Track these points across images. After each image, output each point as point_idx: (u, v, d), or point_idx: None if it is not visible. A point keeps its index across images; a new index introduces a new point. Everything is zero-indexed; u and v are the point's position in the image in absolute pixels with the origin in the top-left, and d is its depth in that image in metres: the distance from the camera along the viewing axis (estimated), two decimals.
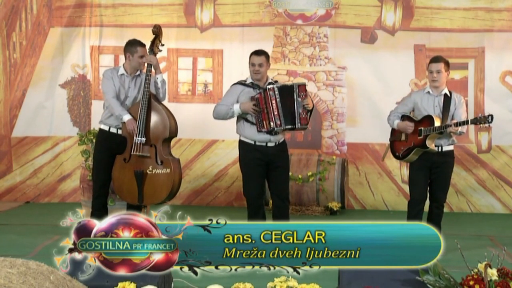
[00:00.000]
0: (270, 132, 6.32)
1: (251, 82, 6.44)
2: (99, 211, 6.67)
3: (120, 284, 4.42)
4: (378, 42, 9.07)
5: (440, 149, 6.31)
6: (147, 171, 6.46)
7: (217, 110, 6.48)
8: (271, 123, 6.26)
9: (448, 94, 6.36)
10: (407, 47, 8.98)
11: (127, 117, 6.43)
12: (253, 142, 6.40)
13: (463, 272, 4.43)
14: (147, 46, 6.69)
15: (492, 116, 5.99)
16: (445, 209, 7.76)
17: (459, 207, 8.97)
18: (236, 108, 6.35)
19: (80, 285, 3.85)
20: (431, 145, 6.26)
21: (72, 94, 9.40)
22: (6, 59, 9.36)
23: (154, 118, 6.49)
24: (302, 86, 6.29)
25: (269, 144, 6.39)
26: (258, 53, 6.46)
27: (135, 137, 6.40)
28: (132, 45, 6.64)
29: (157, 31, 6.68)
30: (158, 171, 6.44)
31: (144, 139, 6.40)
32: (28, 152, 9.41)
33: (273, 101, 6.26)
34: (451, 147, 6.38)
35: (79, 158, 8.38)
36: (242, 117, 6.43)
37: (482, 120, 6.00)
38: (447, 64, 6.36)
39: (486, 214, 8.83)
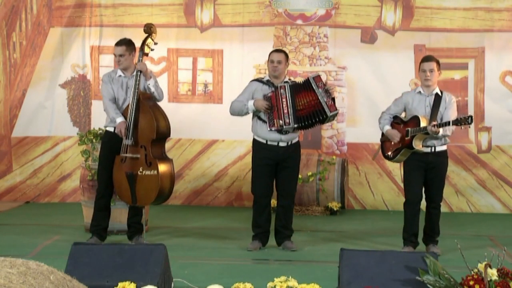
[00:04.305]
0: (280, 131, 6.35)
1: (268, 80, 6.49)
2: (102, 212, 6.69)
3: (120, 284, 4.42)
4: (378, 42, 9.07)
5: (433, 150, 6.28)
6: (138, 172, 6.45)
7: (233, 106, 6.57)
8: (280, 121, 6.30)
9: (439, 94, 6.34)
10: (407, 47, 8.98)
11: (119, 119, 6.48)
12: (265, 141, 6.45)
13: (463, 272, 4.43)
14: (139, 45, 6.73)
15: (471, 117, 5.98)
16: (445, 209, 7.79)
17: (459, 207, 8.96)
18: (250, 104, 6.44)
19: (80, 285, 3.85)
20: (418, 145, 6.23)
21: (72, 94, 9.39)
22: (6, 59, 9.36)
23: (142, 119, 6.48)
24: (318, 77, 6.35)
25: (281, 144, 6.43)
26: (278, 50, 6.62)
27: (123, 139, 6.44)
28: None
29: (149, 30, 6.69)
30: (147, 172, 6.44)
31: (131, 140, 6.42)
32: (28, 152, 9.40)
33: (284, 99, 6.32)
34: (444, 147, 6.35)
35: (79, 158, 8.38)
36: (256, 114, 6.50)
37: (463, 121, 5.98)
38: (438, 63, 6.36)
39: (486, 214, 8.82)
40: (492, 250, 4.89)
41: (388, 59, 9.00)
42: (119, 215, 7.00)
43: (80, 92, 9.39)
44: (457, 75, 8.96)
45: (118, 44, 6.70)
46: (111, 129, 6.65)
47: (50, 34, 9.36)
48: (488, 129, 8.90)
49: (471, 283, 4.26)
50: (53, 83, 9.37)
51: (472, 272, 4.36)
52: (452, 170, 8.96)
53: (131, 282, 4.41)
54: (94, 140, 7.21)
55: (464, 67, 8.99)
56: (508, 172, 8.93)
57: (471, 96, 8.94)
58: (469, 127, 6.11)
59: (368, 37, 9.09)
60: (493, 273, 4.31)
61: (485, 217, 8.68)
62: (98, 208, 6.69)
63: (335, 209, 8.50)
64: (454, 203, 8.93)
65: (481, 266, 4.35)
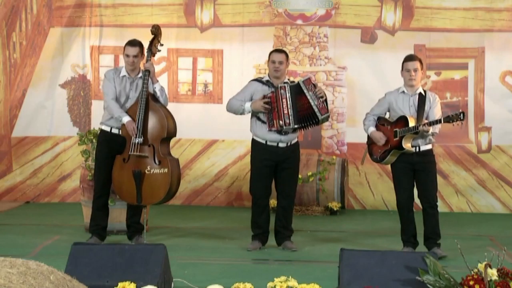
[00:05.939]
0: (280, 131, 6.35)
1: (267, 80, 6.49)
2: (100, 211, 6.68)
3: (120, 284, 4.42)
4: (378, 42, 9.07)
5: (418, 149, 6.26)
6: (145, 171, 6.45)
7: (230, 103, 6.57)
8: (280, 122, 6.30)
9: (423, 93, 6.32)
10: (407, 47, 8.96)
11: (126, 118, 6.44)
12: (264, 142, 6.44)
13: (463, 272, 4.44)
14: (146, 46, 6.69)
15: (463, 113, 5.97)
16: (445, 209, 7.76)
17: (459, 207, 8.96)
18: (247, 106, 6.44)
19: (80, 285, 3.85)
20: (407, 145, 6.21)
21: (72, 94, 9.39)
22: (6, 59, 9.36)
23: (152, 118, 6.49)
24: (307, 80, 6.36)
25: (280, 145, 6.43)
26: (279, 51, 6.60)
27: (133, 138, 6.42)
28: (125, 44, 6.65)
29: (156, 31, 6.68)
30: (155, 171, 6.44)
31: (141, 139, 6.41)
32: (28, 152, 9.40)
33: (284, 100, 6.32)
34: (429, 146, 6.32)
35: (79, 158, 8.38)
36: (254, 115, 6.48)
37: (455, 118, 5.97)
38: (421, 62, 6.36)
39: (486, 214, 8.82)
40: (492, 250, 4.89)
41: (388, 59, 8.98)
42: (119, 215, 7.00)
43: (80, 92, 9.39)
44: (457, 75, 8.95)
45: (133, 44, 6.58)
46: (107, 128, 6.63)
47: (50, 34, 9.36)
48: (488, 129, 8.90)
49: (471, 283, 4.26)
50: (53, 83, 9.37)
51: (472, 272, 4.36)
52: (452, 170, 8.97)
53: (131, 282, 4.41)
54: (94, 140, 7.21)
55: (464, 67, 8.99)
56: (508, 172, 8.92)
57: (471, 96, 8.94)
58: (462, 123, 6.09)
59: (368, 37, 9.09)
60: (493, 273, 4.31)
61: (485, 217, 8.68)
62: (97, 208, 6.68)
63: (335, 209, 8.50)
64: (454, 203, 8.93)
65: (481, 266, 4.35)
